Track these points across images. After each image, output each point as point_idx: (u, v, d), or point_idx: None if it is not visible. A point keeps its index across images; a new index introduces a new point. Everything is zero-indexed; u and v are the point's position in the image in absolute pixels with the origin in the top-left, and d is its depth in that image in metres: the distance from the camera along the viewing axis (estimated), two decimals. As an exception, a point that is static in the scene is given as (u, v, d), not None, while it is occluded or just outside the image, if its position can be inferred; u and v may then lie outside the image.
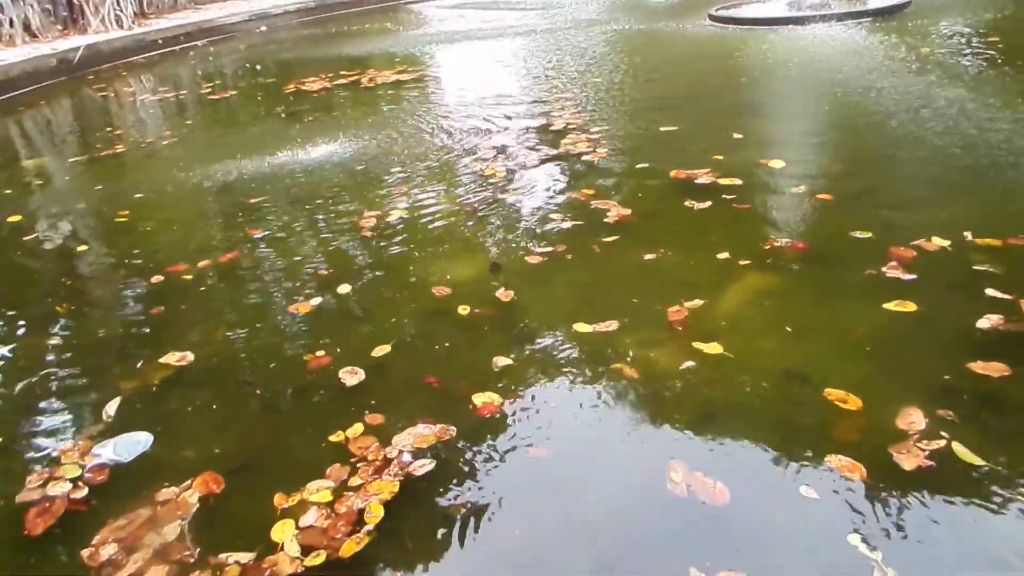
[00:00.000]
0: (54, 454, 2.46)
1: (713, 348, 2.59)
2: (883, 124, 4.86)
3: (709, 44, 8.04)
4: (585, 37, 9.38)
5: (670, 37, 8.82)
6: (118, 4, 14.79)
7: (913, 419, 2.08)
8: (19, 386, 2.91)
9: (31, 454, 2.50)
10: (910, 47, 6.87)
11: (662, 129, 5.26)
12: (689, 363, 2.51)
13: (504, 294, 3.12)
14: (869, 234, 3.30)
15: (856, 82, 5.85)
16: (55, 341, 3.18)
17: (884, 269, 2.96)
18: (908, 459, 1.94)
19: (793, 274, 3.10)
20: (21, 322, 3.41)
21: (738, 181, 4.15)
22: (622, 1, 12.57)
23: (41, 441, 2.56)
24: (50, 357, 3.07)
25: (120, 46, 12.23)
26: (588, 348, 2.72)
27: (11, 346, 3.20)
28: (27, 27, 13.84)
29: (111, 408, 2.64)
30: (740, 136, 5.00)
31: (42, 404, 2.78)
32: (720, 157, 4.53)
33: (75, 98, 9.76)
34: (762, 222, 3.71)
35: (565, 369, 2.62)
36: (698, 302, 2.88)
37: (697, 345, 2.62)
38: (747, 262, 3.19)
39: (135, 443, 2.49)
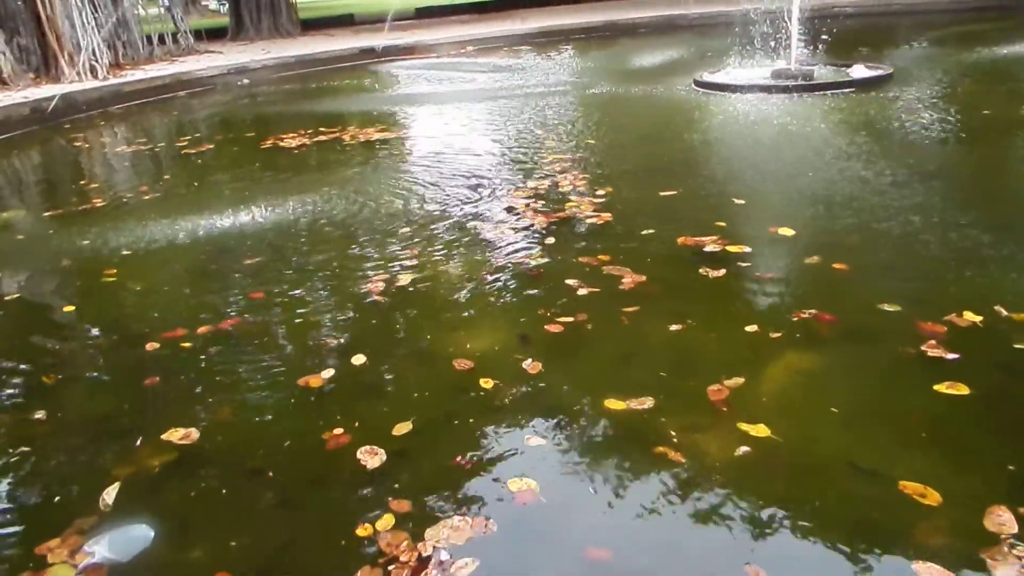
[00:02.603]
0: (40, 552, 2.20)
1: (761, 431, 2.46)
2: (886, 194, 4.87)
3: (697, 110, 8.11)
4: (566, 101, 9.43)
5: (655, 102, 8.90)
6: (93, 54, 14.64)
7: (1002, 520, 1.95)
8: (-2, 466, 2.65)
9: (12, 551, 2.25)
10: (899, 118, 7.01)
11: (661, 194, 5.22)
12: (743, 449, 2.37)
13: (532, 366, 2.96)
14: (897, 307, 3.23)
15: (851, 152, 5.90)
16: (40, 416, 2.93)
17: (924, 348, 2.87)
18: (1004, 568, 1.81)
19: (829, 350, 3.00)
20: (2, 394, 3.14)
21: (747, 249, 4.08)
22: (595, 65, 12.75)
23: (26, 535, 2.30)
24: (35, 434, 2.82)
25: (96, 96, 12.03)
26: (626, 428, 2.57)
27: (-9, 420, 2.94)
28: (-2, 75, 13.61)
29: (109, 496, 2.40)
30: (741, 202, 4.98)
31: (26, 491, 2.53)
32: (723, 224, 4.48)
33: (49, 148, 9.51)
34: (782, 292, 3.63)
35: (605, 452, 2.46)
36: (738, 380, 2.75)
37: (743, 427, 2.48)
38: (777, 335, 3.09)
39: (134, 539, 2.24)
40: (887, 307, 3.23)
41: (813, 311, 3.27)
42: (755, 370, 2.84)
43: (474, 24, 21.65)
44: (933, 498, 2.08)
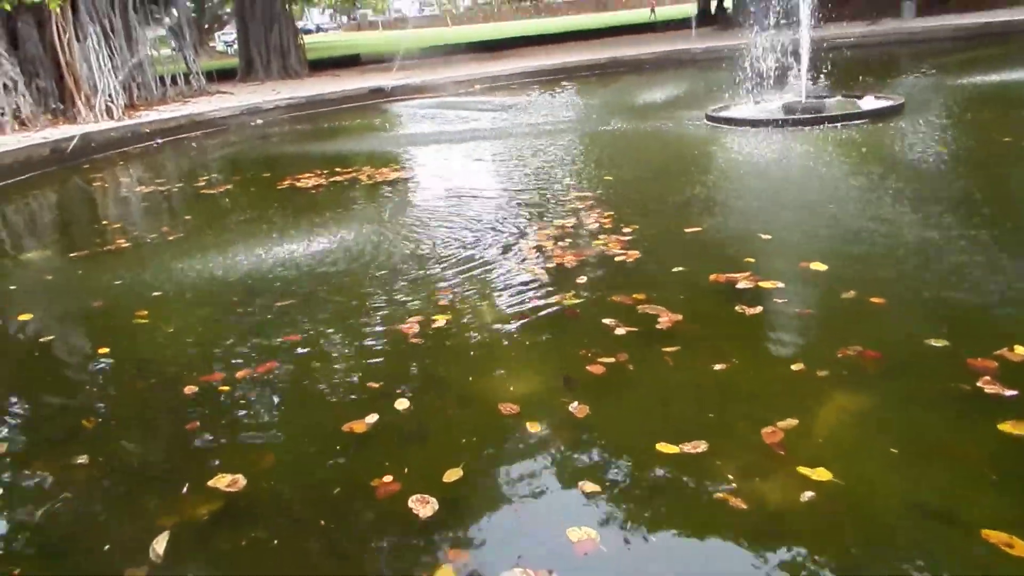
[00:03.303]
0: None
1: (822, 475, 2.41)
2: (915, 226, 4.86)
3: (711, 144, 8.17)
4: (579, 138, 9.51)
5: (669, 138, 8.96)
6: (110, 96, 14.83)
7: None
8: (39, 515, 2.61)
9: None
10: (916, 148, 7.03)
11: (687, 230, 5.22)
12: (807, 494, 2.32)
13: (579, 409, 2.92)
14: (944, 342, 3.19)
15: (872, 184, 5.91)
16: (82, 460, 2.89)
17: (980, 384, 2.83)
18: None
19: (879, 388, 2.96)
20: (42, 438, 3.12)
21: (780, 284, 4.06)
22: (603, 102, 12.86)
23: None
24: (78, 480, 2.79)
25: (114, 136, 12.17)
26: (682, 472, 2.52)
27: (32, 467, 2.90)
28: (16, 115, 13.79)
29: (159, 545, 2.36)
30: (768, 237, 4.96)
31: (72, 539, 2.48)
32: (752, 260, 4.46)
33: (70, 188, 9.59)
34: (822, 329, 3.61)
35: (663, 498, 2.42)
36: (791, 421, 2.71)
37: (803, 471, 2.44)
38: (824, 373, 3.06)
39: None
40: (933, 342, 3.20)
41: (857, 348, 3.24)
42: (807, 410, 2.80)
43: (480, 63, 21.94)
44: (1021, 548, 2.02)
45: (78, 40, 14.83)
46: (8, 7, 13.92)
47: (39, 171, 9.97)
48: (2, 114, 13.68)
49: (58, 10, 14.26)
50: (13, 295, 5.04)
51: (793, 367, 3.14)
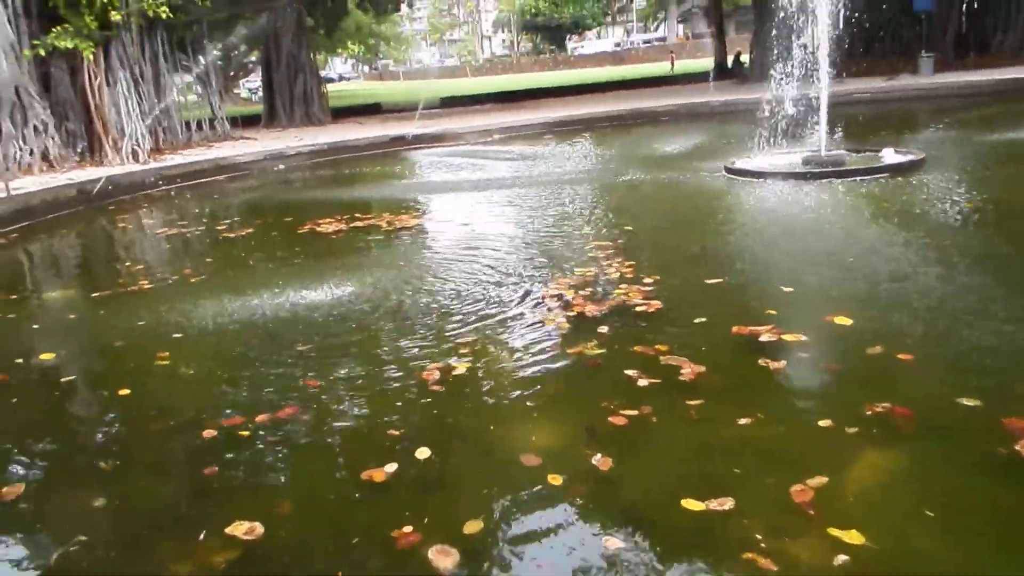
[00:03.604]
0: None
1: (854, 537, 2.34)
2: (941, 281, 4.82)
3: (731, 196, 8.18)
4: (598, 187, 9.57)
5: (688, 189, 8.99)
6: (137, 140, 15.15)
7: None
8: (54, 558, 2.58)
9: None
10: (939, 202, 7.01)
11: (707, 281, 5.19)
12: (840, 558, 2.25)
13: (602, 462, 2.87)
14: (976, 402, 3.12)
15: (896, 238, 5.88)
16: (99, 503, 2.86)
17: (1018, 447, 2.76)
18: None
19: (912, 447, 2.89)
20: (60, 479, 3.09)
21: (804, 338, 4.01)
22: (622, 153, 12.97)
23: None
24: (95, 523, 2.75)
25: (139, 179, 12.39)
26: (708, 530, 2.46)
27: (48, 509, 2.88)
28: (45, 157, 14.09)
29: (176, 594, 2.32)
30: (790, 290, 4.93)
31: (86, 584, 2.45)
32: (774, 312, 4.42)
33: (95, 229, 9.73)
34: (849, 384, 3.55)
35: (689, 557, 2.36)
36: (821, 479, 2.64)
37: (834, 532, 2.37)
38: (854, 430, 2.99)
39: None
40: (966, 401, 3.13)
41: (887, 404, 3.17)
42: (837, 468, 2.73)
43: (499, 113, 22.27)
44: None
45: (108, 85, 15.23)
46: (43, 52, 14.34)
47: (65, 211, 10.13)
48: (31, 155, 14.00)
49: (91, 56, 14.69)
50: (36, 334, 5.08)
51: (821, 423, 3.08)
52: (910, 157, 8.70)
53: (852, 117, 10.42)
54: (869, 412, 3.13)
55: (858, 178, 8.18)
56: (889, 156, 8.78)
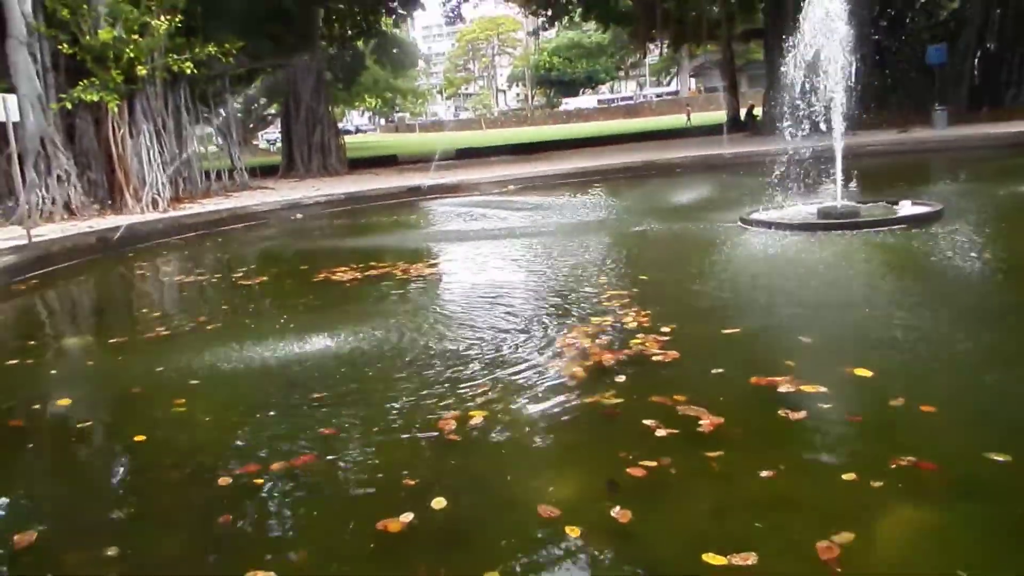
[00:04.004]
0: None
1: (884, 596, 2.27)
2: (961, 334, 4.76)
3: (747, 247, 8.17)
4: (613, 238, 9.60)
5: (704, 239, 8.99)
6: (157, 190, 15.43)
7: None
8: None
9: None
10: (958, 255, 6.97)
11: (724, 331, 5.16)
12: (871, 616, 2.18)
13: (621, 514, 2.82)
14: (1006, 457, 3.06)
15: (915, 290, 5.86)
16: (112, 552, 2.83)
17: (1051, 505, 2.69)
18: None
19: (940, 503, 2.82)
20: (74, 527, 3.06)
21: (823, 389, 3.96)
22: (637, 204, 13.04)
23: None
24: (107, 573, 2.72)
25: (158, 228, 12.56)
26: (732, 587, 2.40)
27: (61, 558, 2.85)
28: (67, 205, 14.35)
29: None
30: (808, 341, 4.89)
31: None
32: (792, 363, 4.37)
33: (113, 276, 9.83)
34: (872, 437, 3.49)
35: (714, 614, 2.29)
36: (847, 535, 2.58)
37: (863, 590, 2.30)
38: (879, 484, 2.92)
39: None
40: (994, 456, 3.06)
41: (912, 458, 3.11)
42: (863, 524, 2.67)
43: (514, 165, 22.55)
44: None
45: (131, 137, 15.58)
46: (70, 105, 14.74)
47: (85, 259, 10.26)
48: (53, 203, 14.26)
49: (115, 109, 15.06)
50: (54, 380, 5.10)
51: (844, 476, 3.02)
52: (927, 208, 8.69)
53: (867, 169, 10.45)
54: (894, 466, 3.07)
55: (875, 229, 8.16)
56: (906, 208, 8.78)
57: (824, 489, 2.99)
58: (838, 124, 9.11)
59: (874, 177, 11.94)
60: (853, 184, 9.51)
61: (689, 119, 37.25)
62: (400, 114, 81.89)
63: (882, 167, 14.77)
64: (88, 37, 14.69)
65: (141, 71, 15.18)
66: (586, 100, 79.86)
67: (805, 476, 3.11)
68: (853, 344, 4.86)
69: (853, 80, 9.06)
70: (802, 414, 3.69)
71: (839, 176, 9.18)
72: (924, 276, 6.31)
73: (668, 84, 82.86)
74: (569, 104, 79.09)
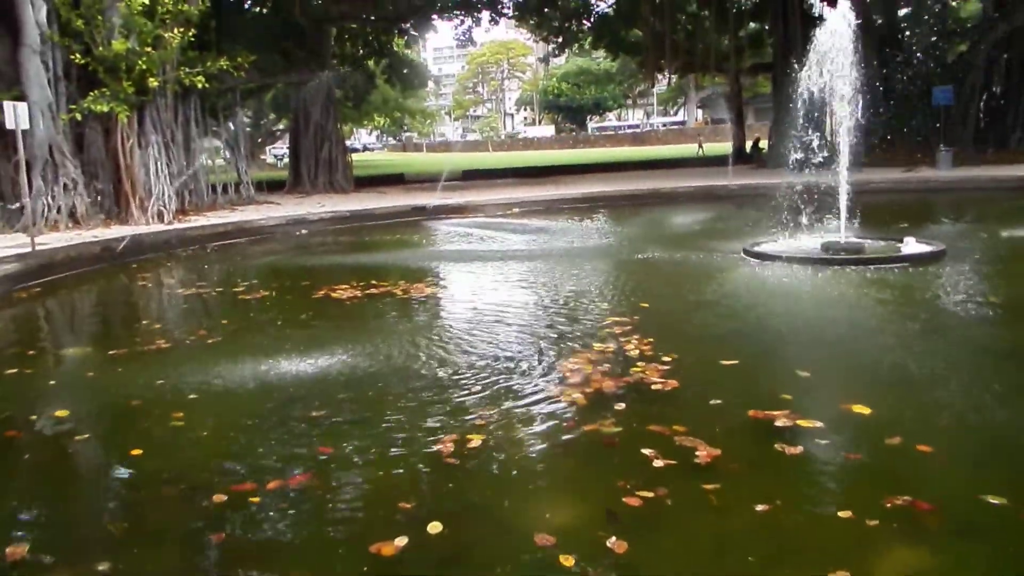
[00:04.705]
0: None
1: (878, 636, 2.26)
2: (962, 373, 4.77)
3: (749, 278, 8.19)
4: (616, 264, 9.62)
5: (706, 269, 9.01)
6: (163, 201, 15.49)
7: None
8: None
9: None
10: (961, 294, 6.98)
11: (723, 362, 5.16)
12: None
13: (617, 544, 2.81)
14: (1002, 500, 3.05)
15: (916, 327, 5.86)
16: (104, 568, 2.81)
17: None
18: None
19: (936, 544, 2.81)
20: (67, 542, 3.05)
21: (820, 424, 3.96)
22: (641, 231, 13.07)
23: None
24: (99, 588, 2.71)
25: (162, 239, 12.60)
26: (726, 622, 2.38)
27: (53, 571, 2.83)
28: (72, 214, 14.40)
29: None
30: (805, 375, 4.90)
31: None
32: (789, 397, 4.37)
33: (116, 286, 9.85)
34: (868, 475, 3.49)
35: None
36: (843, 574, 2.56)
37: (858, 631, 2.29)
38: (875, 523, 2.92)
39: None
40: (991, 499, 3.05)
41: (907, 498, 3.11)
42: (859, 562, 2.66)
43: (520, 188, 22.65)
44: None
45: (140, 148, 15.67)
46: (79, 117, 14.85)
47: (88, 268, 10.29)
48: (58, 211, 14.32)
49: (125, 120, 15.17)
50: (52, 391, 5.10)
51: (840, 514, 3.01)
52: (931, 248, 8.71)
53: (871, 206, 10.49)
54: (889, 505, 3.06)
55: (878, 266, 8.18)
56: (910, 246, 8.80)
57: (820, 526, 2.98)
58: (844, 160, 9.17)
59: (878, 214, 11.98)
60: (857, 220, 9.54)
61: (701, 148, 37.51)
62: (408, 134, 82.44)
63: (886, 205, 14.84)
64: (101, 48, 14.82)
65: (153, 83, 15.31)
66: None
67: (801, 512, 3.10)
68: (851, 380, 4.86)
69: (860, 117, 9.14)
70: (799, 449, 3.69)
71: (843, 212, 9.21)
72: (925, 315, 6.32)
73: (675, 114, 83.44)
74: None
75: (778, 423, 4.01)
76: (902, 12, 28.02)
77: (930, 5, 25.54)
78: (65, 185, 14.55)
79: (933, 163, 21.37)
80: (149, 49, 15.28)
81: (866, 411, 4.12)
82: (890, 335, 5.68)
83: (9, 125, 10.30)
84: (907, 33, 26.50)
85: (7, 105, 10.40)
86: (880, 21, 26.05)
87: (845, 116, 8.99)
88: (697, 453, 3.65)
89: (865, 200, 10.34)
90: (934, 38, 24.76)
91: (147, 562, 2.91)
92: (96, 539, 3.05)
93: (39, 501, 3.48)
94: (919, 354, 5.20)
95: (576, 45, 37.38)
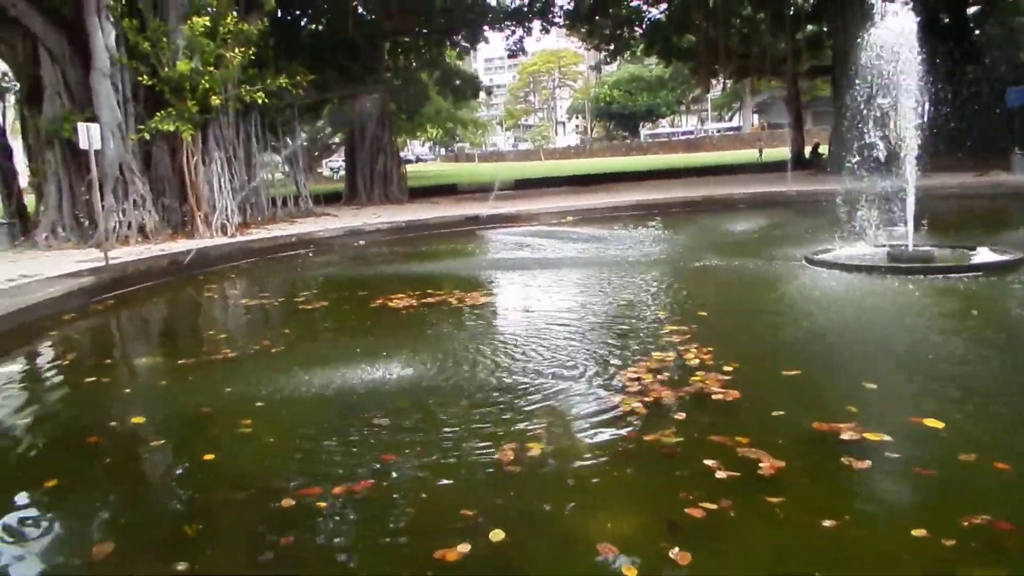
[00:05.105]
0: None
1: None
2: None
3: (812, 287, 8.00)
4: (672, 272, 9.51)
5: (766, 277, 8.87)
6: (226, 215, 15.97)
7: None
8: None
9: None
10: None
11: (785, 373, 5.08)
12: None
13: (680, 556, 2.79)
14: (1087, 519, 2.93)
15: (992, 340, 5.63)
16: (182, 567, 2.92)
17: None
18: None
19: (1018, 566, 2.71)
20: (148, 541, 3.18)
21: (888, 438, 3.85)
22: (697, 239, 12.89)
23: None
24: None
25: (226, 252, 12.97)
26: (795, 638, 2.34)
27: (135, 570, 2.95)
28: (141, 229, 14.96)
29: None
30: (872, 387, 4.76)
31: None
32: (855, 409, 4.26)
33: (183, 298, 10.18)
34: (942, 492, 3.38)
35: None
36: (919, 593, 2.50)
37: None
38: (951, 543, 2.83)
39: None
40: (1075, 518, 2.93)
41: (986, 517, 3.00)
42: (937, 583, 2.59)
43: (573, 196, 22.62)
44: None
45: (204, 164, 16.19)
46: (147, 136, 15.43)
47: (157, 281, 10.66)
48: (129, 227, 14.90)
49: (190, 138, 15.70)
50: (128, 399, 5.31)
51: (914, 532, 2.92)
52: (1005, 256, 8.33)
53: (940, 212, 10.12)
54: (966, 523, 2.96)
55: (948, 275, 7.87)
56: (984, 255, 8.45)
57: (893, 544, 2.90)
58: (910, 164, 8.89)
59: (947, 221, 11.59)
60: (925, 227, 9.23)
61: (761, 154, 36.94)
62: (460, 144, 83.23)
63: (956, 211, 14.32)
64: (167, 69, 15.38)
65: (215, 101, 15.81)
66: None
67: (871, 528, 3.02)
68: (922, 393, 4.72)
69: (927, 119, 8.86)
70: (866, 463, 3.60)
71: (910, 218, 8.92)
72: (1001, 327, 6.08)
73: (730, 119, 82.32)
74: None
75: (844, 436, 3.92)
76: (971, 10, 27.11)
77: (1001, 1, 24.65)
78: (135, 201, 15.13)
79: (1007, 167, 20.51)
80: (211, 69, 15.80)
81: (938, 425, 4.00)
82: (962, 347, 5.48)
83: (83, 145, 10.76)
84: (976, 32, 25.61)
85: (81, 127, 10.88)
86: (947, 20, 25.25)
87: (910, 119, 8.73)
88: (760, 465, 3.60)
89: (933, 206, 10.00)
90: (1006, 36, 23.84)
91: (221, 563, 3.00)
92: (173, 540, 3.17)
93: (120, 503, 3.63)
94: (994, 368, 5.01)
95: (628, 52, 37.23)
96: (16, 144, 17.54)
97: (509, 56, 32.46)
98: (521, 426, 4.20)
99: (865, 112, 9.20)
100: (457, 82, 32.82)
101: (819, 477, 3.57)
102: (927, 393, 4.68)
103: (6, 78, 17.68)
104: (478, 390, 4.94)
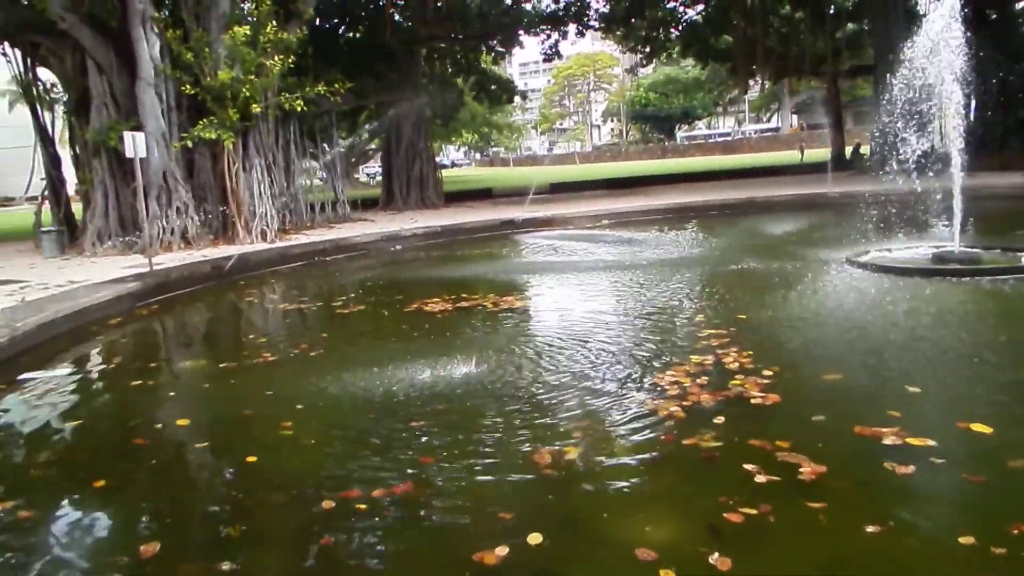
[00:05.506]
0: None
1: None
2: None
3: (853, 290, 7.86)
4: (711, 275, 9.43)
5: (806, 280, 8.71)
6: (266, 221, 16.25)
7: None
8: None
9: None
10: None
11: (826, 377, 5.00)
12: None
13: (720, 561, 2.76)
14: None
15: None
16: (226, 567, 2.98)
17: None
18: None
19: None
20: (192, 541, 3.25)
21: (933, 443, 3.77)
22: (735, 241, 12.75)
23: None
24: (220, 586, 2.87)
25: (265, 257, 13.18)
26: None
27: (180, 569, 3.02)
28: (184, 235, 15.28)
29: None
30: (915, 391, 4.66)
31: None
32: (898, 414, 4.17)
33: (225, 303, 10.38)
34: (989, 499, 3.29)
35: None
36: (968, 605, 2.44)
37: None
38: (1001, 551, 2.76)
39: None
40: None
41: (1036, 525, 2.93)
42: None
43: (608, 200, 22.55)
44: None
45: (244, 171, 16.48)
46: (190, 144, 15.77)
47: (200, 286, 10.88)
48: (172, 233, 15.23)
49: (231, 145, 16.00)
50: (172, 401, 5.43)
51: (961, 539, 2.86)
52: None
53: (986, 214, 9.86)
54: (1016, 532, 2.89)
55: (995, 278, 7.67)
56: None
57: (940, 552, 2.84)
58: (956, 164, 8.68)
59: (995, 223, 11.30)
60: (971, 228, 8.99)
61: (803, 155, 36.45)
62: (495, 148, 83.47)
63: (1004, 212, 13.96)
64: (209, 78, 15.70)
65: (255, 109, 16.09)
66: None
67: (916, 535, 2.97)
68: (967, 398, 4.61)
69: (972, 119, 8.66)
70: (910, 469, 3.53)
71: (957, 220, 8.71)
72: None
73: (768, 120, 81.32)
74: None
75: (886, 441, 3.85)
76: (1020, 5, 26.41)
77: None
78: (178, 208, 15.47)
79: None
80: (252, 77, 16.08)
81: (986, 431, 3.90)
82: (1010, 352, 5.35)
83: (128, 154, 11.03)
84: (1024, 29, 24.95)
85: (127, 135, 11.16)
86: (995, 16, 24.64)
87: (955, 118, 8.52)
88: (801, 470, 3.55)
89: (980, 207, 9.76)
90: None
91: (263, 563, 3.05)
92: (218, 539, 3.23)
93: (166, 503, 3.72)
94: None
95: (664, 54, 37.00)
96: (64, 154, 18.02)
97: (544, 60, 32.36)
98: (558, 429, 4.21)
99: (909, 111, 9.01)
100: (492, 87, 32.90)
101: (861, 483, 3.50)
102: (974, 397, 4.58)
103: (55, 89, 18.17)
104: (515, 393, 4.96)
